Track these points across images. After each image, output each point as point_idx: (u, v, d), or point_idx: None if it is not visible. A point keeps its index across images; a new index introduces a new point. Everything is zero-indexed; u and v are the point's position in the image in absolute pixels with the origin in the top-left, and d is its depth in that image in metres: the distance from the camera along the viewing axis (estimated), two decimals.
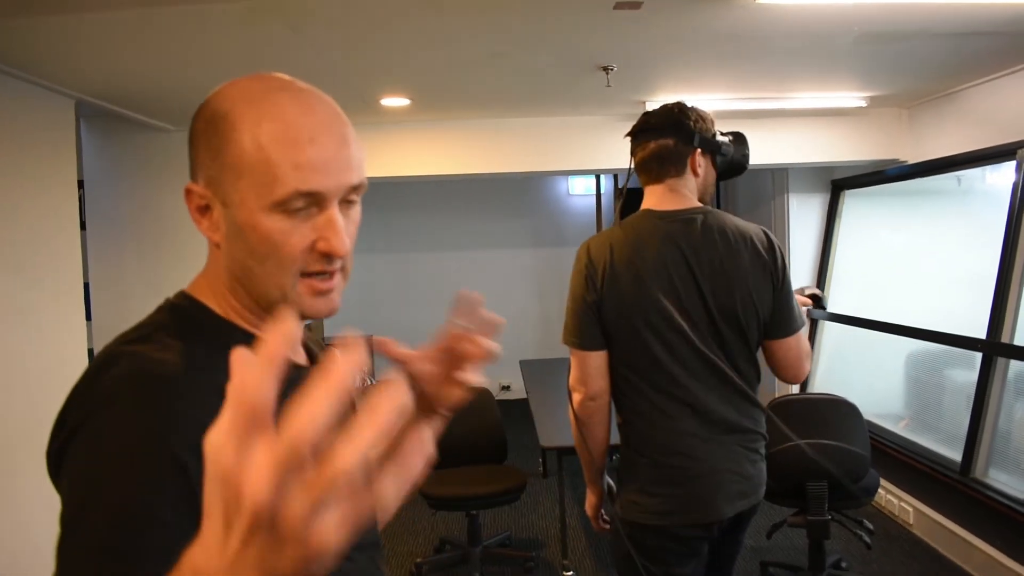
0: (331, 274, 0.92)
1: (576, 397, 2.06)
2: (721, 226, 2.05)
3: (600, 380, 2.04)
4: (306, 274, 0.90)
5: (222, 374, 0.86)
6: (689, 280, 1.99)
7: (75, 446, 0.81)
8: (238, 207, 0.88)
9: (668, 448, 2.00)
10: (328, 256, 0.90)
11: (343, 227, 0.90)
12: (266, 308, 0.94)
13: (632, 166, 2.16)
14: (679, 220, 2.05)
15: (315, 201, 0.88)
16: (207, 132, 0.90)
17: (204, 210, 0.92)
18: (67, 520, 0.78)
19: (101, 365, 0.85)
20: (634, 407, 2.04)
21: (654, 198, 2.11)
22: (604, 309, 2.01)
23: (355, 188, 0.92)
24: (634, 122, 2.16)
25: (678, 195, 2.09)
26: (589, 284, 2.03)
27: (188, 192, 0.92)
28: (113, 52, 2.98)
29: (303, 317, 0.95)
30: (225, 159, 0.87)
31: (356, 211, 0.95)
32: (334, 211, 0.89)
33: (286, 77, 0.93)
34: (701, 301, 1.99)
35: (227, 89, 0.91)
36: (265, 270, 0.90)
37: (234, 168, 0.87)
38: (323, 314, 0.94)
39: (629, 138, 2.16)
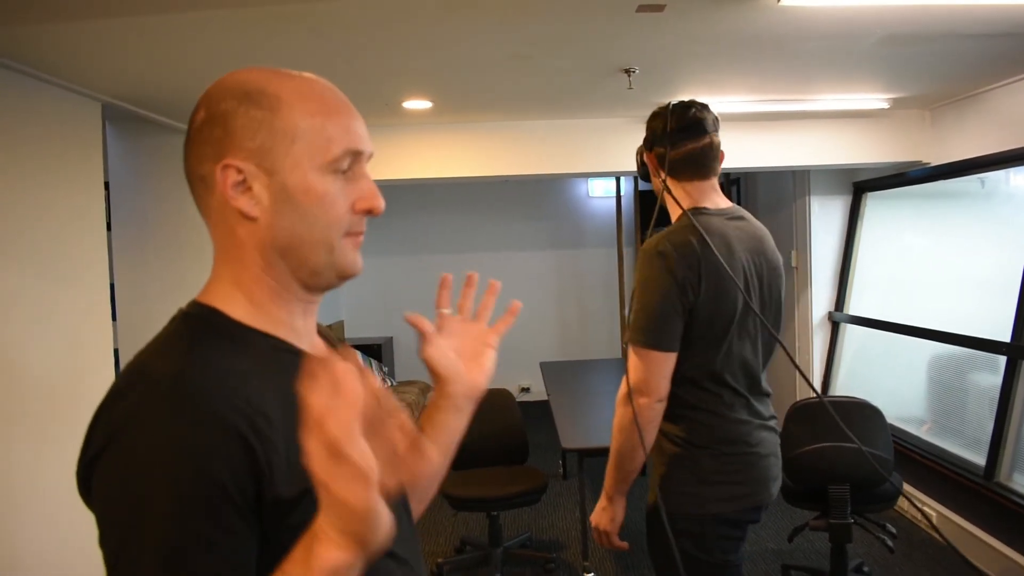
0: (363, 232, 0.99)
1: (643, 401, 1.97)
2: (760, 225, 2.15)
3: (668, 382, 1.98)
4: (348, 232, 0.97)
5: (237, 376, 0.88)
6: (756, 280, 2.04)
7: (105, 468, 0.82)
8: (291, 171, 0.92)
9: (730, 438, 2.02)
10: (369, 213, 0.97)
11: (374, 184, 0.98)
12: (305, 275, 0.97)
13: (668, 159, 2.08)
14: (736, 219, 2.09)
15: (355, 162, 0.95)
16: (245, 107, 0.93)
17: (241, 187, 0.93)
18: (113, 549, 0.79)
19: (123, 382, 0.87)
20: (698, 403, 2.01)
21: (703, 195, 2.09)
22: (697, 310, 1.95)
23: (370, 155, 1.00)
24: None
25: (719, 194, 2.12)
26: (686, 285, 1.94)
27: (226, 167, 0.92)
28: (139, 56, 3.02)
29: (344, 275, 0.99)
30: (274, 127, 0.92)
31: None
32: (368, 173, 0.98)
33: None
34: (761, 300, 2.05)
35: (239, 74, 0.97)
36: (314, 233, 0.94)
37: (287, 134, 0.92)
38: (358, 271, 1.00)
39: (667, 129, 2.08)
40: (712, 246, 1.95)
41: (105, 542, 0.80)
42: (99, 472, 0.82)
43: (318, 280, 0.98)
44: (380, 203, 0.97)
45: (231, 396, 0.84)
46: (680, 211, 2.07)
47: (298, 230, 0.93)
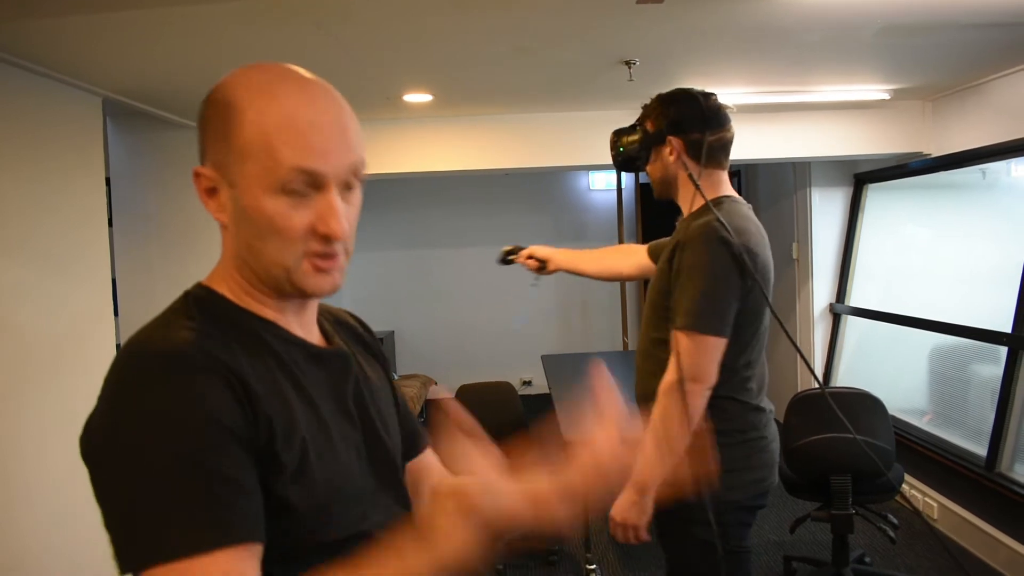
0: (332, 255, 0.96)
1: (697, 388, 1.92)
2: None
3: (718, 369, 1.95)
4: (308, 253, 0.95)
5: (231, 353, 0.91)
6: (767, 267, 2.05)
7: (108, 431, 0.85)
8: (243, 190, 0.93)
9: (749, 424, 2.04)
10: (327, 237, 0.94)
11: (342, 210, 0.94)
12: (270, 286, 0.98)
13: (705, 148, 2.05)
14: (749, 208, 2.11)
15: (314, 183, 0.92)
16: (214, 118, 0.95)
17: (211, 192, 0.96)
18: (124, 504, 0.82)
19: (124, 354, 0.90)
20: (727, 392, 2.01)
21: (723, 184, 2.10)
22: (751, 297, 1.95)
23: (354, 169, 0.96)
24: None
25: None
26: (746, 270, 1.92)
27: (197, 175, 0.97)
28: (139, 50, 3.02)
29: (306, 295, 0.99)
30: (231, 143, 0.92)
31: (356, 195, 0.99)
32: (332, 194, 0.93)
33: (292, 67, 0.98)
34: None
35: (233, 78, 0.96)
36: (268, 250, 0.94)
37: (240, 152, 0.92)
38: (326, 292, 0.99)
39: (704, 114, 2.06)
40: (752, 232, 1.99)
41: (113, 500, 0.83)
42: (102, 437, 0.85)
43: (282, 293, 0.99)
44: (334, 227, 0.93)
45: (220, 358, 0.88)
46: (700, 200, 2.06)
47: (254, 244, 0.95)
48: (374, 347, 1.22)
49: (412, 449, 1.20)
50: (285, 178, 0.90)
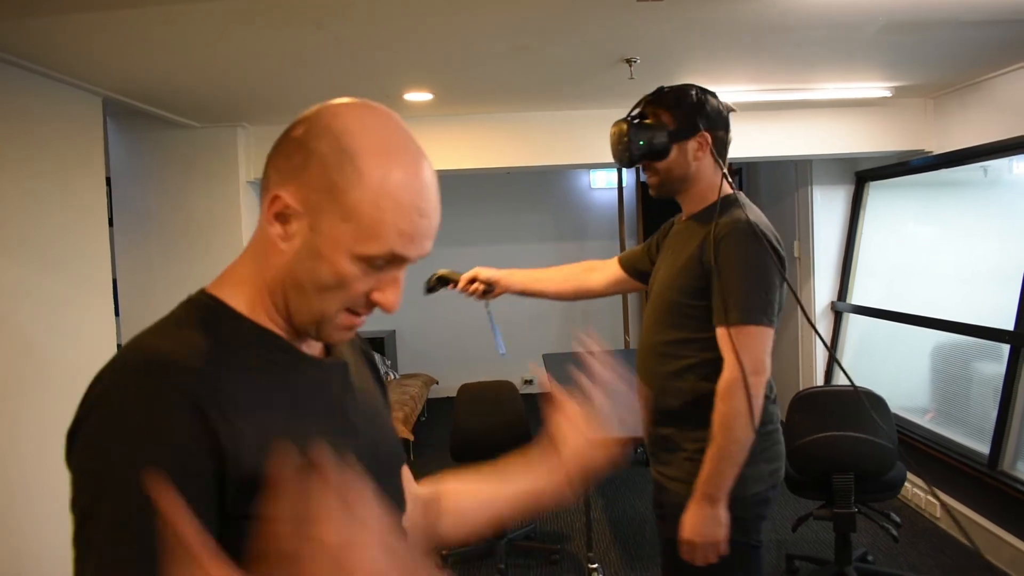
0: (364, 316, 0.98)
1: (761, 381, 1.89)
2: None
3: None
4: (347, 310, 0.96)
5: (232, 369, 0.88)
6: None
7: (78, 439, 0.85)
8: (326, 240, 0.91)
9: (767, 417, 2.03)
10: (377, 307, 0.96)
11: (401, 287, 0.97)
12: (295, 324, 0.98)
13: (727, 144, 2.09)
14: None
15: (394, 262, 0.94)
16: (327, 161, 0.90)
17: (283, 218, 0.93)
18: (78, 517, 0.82)
19: (115, 359, 0.89)
20: None
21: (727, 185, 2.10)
22: (782, 288, 1.96)
23: (423, 255, 0.98)
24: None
25: None
26: (782, 262, 1.94)
27: (275, 198, 0.92)
28: (139, 50, 3.01)
29: (322, 341, 1.01)
30: (336, 196, 0.90)
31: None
32: (402, 274, 0.96)
33: (404, 127, 0.97)
34: None
35: (354, 122, 0.92)
36: (318, 298, 0.94)
37: (344, 209, 0.90)
38: (341, 343, 1.02)
39: (727, 112, 2.09)
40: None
41: (73, 508, 0.83)
42: (75, 442, 0.86)
43: (301, 329, 0.98)
44: (392, 303, 0.96)
45: (201, 378, 0.86)
46: (716, 196, 2.03)
47: (305, 286, 0.93)
48: (368, 354, 1.21)
49: None
50: (377, 255, 0.91)
